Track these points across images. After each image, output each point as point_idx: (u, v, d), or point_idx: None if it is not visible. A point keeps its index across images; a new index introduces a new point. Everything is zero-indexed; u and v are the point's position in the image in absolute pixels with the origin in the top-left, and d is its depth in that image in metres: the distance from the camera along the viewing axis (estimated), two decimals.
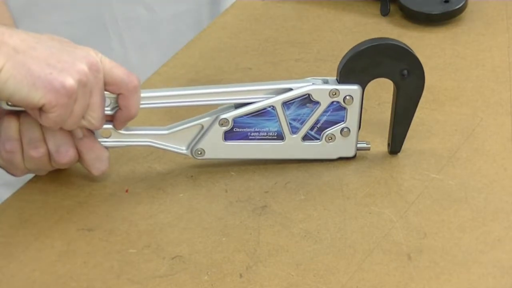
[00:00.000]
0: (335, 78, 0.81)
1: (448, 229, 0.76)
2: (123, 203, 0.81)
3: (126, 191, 0.82)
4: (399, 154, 0.85)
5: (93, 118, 0.75)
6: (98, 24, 1.12)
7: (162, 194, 0.81)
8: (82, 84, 0.72)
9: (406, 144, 0.85)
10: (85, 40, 1.14)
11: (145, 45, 1.14)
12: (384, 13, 1.09)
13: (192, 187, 0.82)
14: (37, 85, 0.70)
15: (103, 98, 0.76)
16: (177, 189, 0.82)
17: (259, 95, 0.81)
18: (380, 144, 0.86)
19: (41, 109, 0.73)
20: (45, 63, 0.71)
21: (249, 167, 0.84)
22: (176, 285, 0.72)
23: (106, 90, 0.76)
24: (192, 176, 0.83)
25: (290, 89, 0.80)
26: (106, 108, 0.77)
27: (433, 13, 1.06)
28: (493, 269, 0.72)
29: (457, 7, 1.05)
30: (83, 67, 0.72)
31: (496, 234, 0.76)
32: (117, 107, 0.78)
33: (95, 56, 0.74)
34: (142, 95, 0.78)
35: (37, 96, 0.71)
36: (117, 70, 0.75)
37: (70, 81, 0.71)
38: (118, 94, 0.77)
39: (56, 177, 0.83)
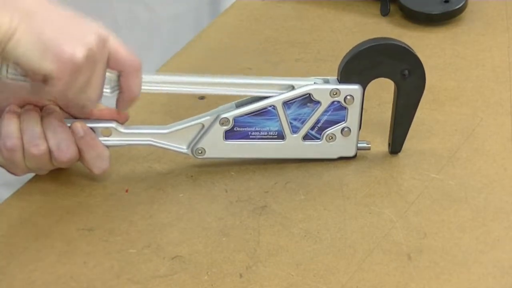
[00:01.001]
0: (336, 77, 0.81)
1: (448, 229, 0.76)
2: (123, 203, 0.80)
3: (126, 191, 0.82)
4: (399, 154, 0.85)
5: (92, 92, 0.74)
6: None
7: (162, 194, 0.81)
8: (89, 57, 0.72)
9: (406, 144, 0.85)
10: None
11: (145, 45, 1.14)
12: (384, 13, 1.09)
13: (192, 187, 0.82)
14: (48, 52, 0.70)
15: (104, 74, 0.75)
16: (177, 189, 0.82)
17: (261, 89, 0.81)
18: (380, 144, 0.86)
19: (44, 78, 0.72)
20: (57, 30, 0.70)
21: (249, 167, 0.84)
22: (176, 285, 0.72)
23: (108, 65, 0.75)
24: (192, 176, 0.83)
25: (293, 87, 0.80)
26: (105, 88, 0.76)
27: (433, 13, 1.06)
28: (493, 269, 0.72)
29: (457, 7, 1.06)
30: (93, 39, 0.72)
31: (496, 234, 0.76)
32: (117, 89, 0.77)
33: (104, 30, 0.74)
34: (143, 79, 0.77)
35: (45, 64, 0.70)
36: (122, 49, 0.75)
37: (79, 53, 0.70)
38: (119, 75, 0.76)
39: (56, 177, 0.82)
